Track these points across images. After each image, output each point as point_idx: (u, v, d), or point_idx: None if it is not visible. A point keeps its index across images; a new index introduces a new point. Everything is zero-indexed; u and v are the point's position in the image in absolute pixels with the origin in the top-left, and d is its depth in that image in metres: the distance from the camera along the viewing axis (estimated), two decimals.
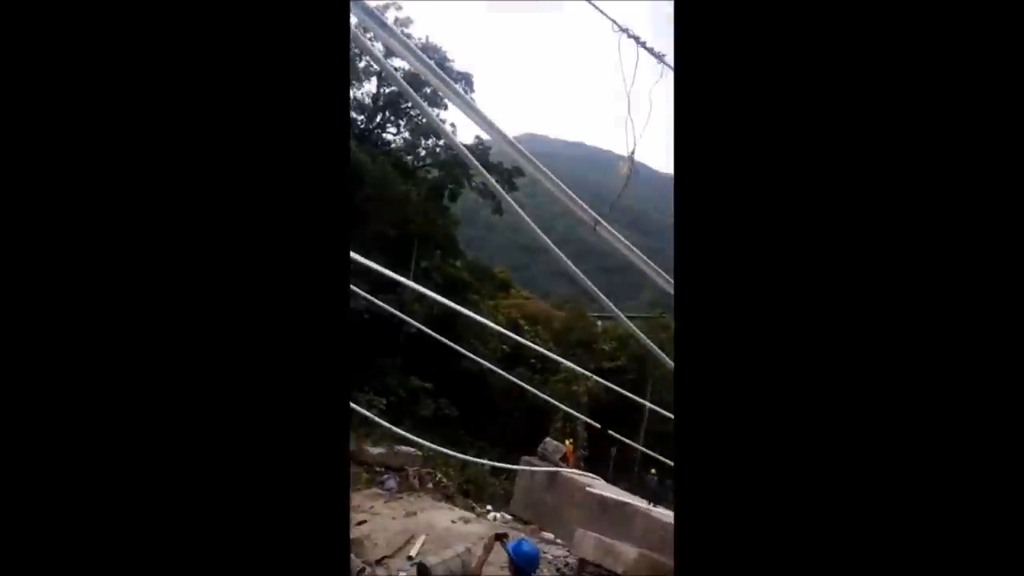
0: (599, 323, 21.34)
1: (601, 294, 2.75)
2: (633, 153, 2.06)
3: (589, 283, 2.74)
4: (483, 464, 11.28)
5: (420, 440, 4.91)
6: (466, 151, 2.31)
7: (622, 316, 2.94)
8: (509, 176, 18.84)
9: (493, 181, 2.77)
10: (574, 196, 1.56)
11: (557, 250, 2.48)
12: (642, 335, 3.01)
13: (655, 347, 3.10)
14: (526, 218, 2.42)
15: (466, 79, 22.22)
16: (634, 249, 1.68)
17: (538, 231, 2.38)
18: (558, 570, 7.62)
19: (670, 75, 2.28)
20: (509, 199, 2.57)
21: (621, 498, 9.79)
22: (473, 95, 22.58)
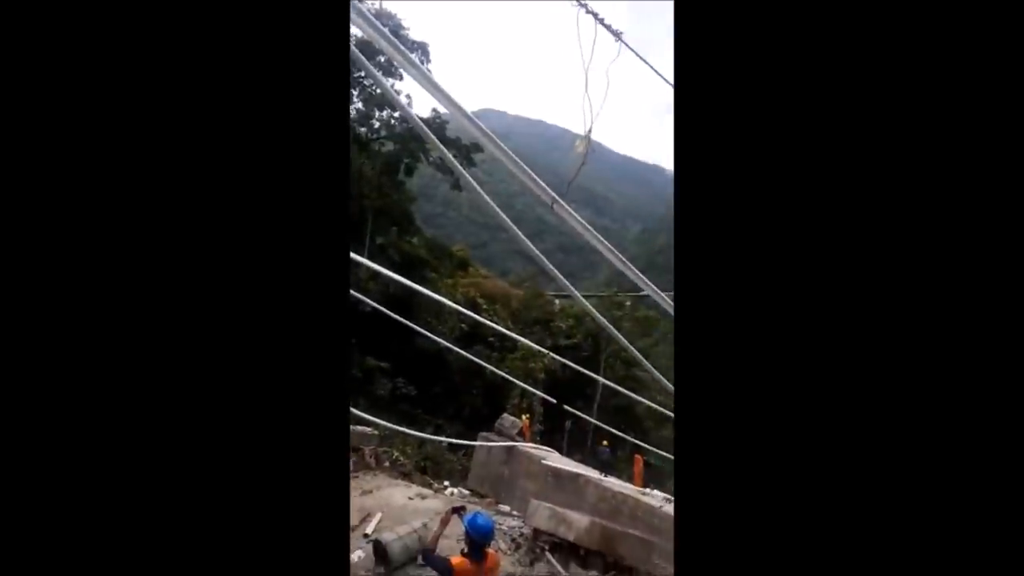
0: (557, 302, 21.69)
1: (558, 273, 2.78)
2: (590, 132, 2.06)
3: (547, 262, 2.77)
4: (440, 441, 11.36)
5: (376, 420, 4.87)
6: (422, 124, 2.23)
7: (578, 295, 3.00)
8: (467, 152, 18.49)
9: (451, 157, 2.71)
10: (532, 174, 1.55)
11: (516, 229, 2.47)
12: (597, 313, 3.09)
13: (609, 325, 3.19)
14: (485, 196, 2.39)
15: (422, 49, 21.34)
16: (590, 229, 1.71)
17: (497, 209, 2.37)
18: (513, 540, 7.88)
19: (627, 53, 2.28)
20: (467, 175, 2.52)
21: (575, 470, 10.18)
22: (429, 66, 21.79)
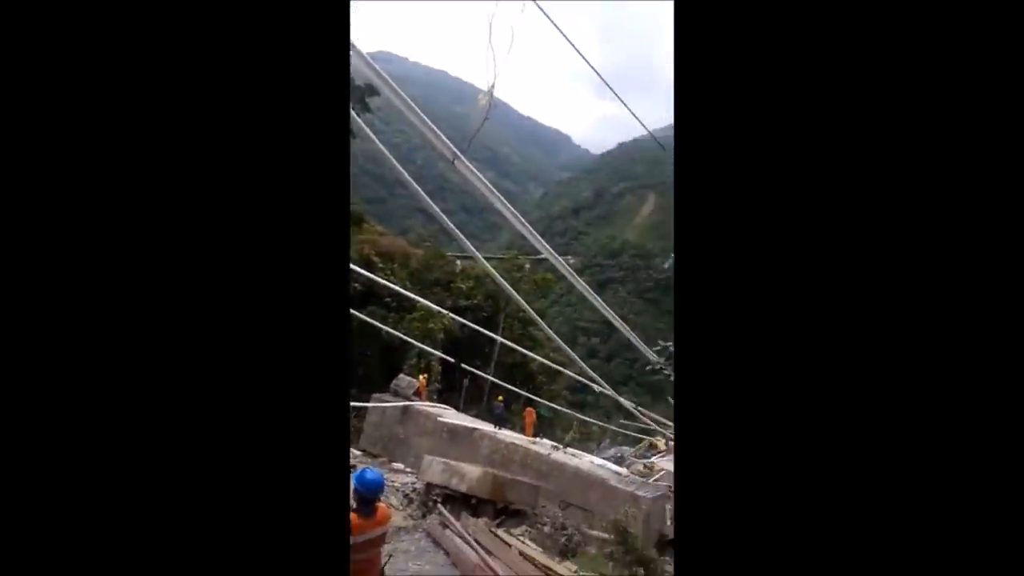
0: (458, 262, 21.56)
1: (461, 235, 2.74)
2: (493, 86, 2.00)
3: (448, 222, 2.70)
4: None
5: None
6: None
7: (480, 257, 2.99)
8: (362, 95, 17.02)
9: None
10: (434, 127, 1.46)
11: (416, 185, 2.35)
12: (498, 276, 3.12)
13: (509, 287, 3.27)
14: (382, 148, 2.22)
15: None
16: (494, 191, 1.68)
17: (395, 162, 2.22)
18: (406, 496, 8.01)
19: (532, 7, 2.22)
20: (361, 122, 2.32)
21: (470, 425, 10.54)
22: None
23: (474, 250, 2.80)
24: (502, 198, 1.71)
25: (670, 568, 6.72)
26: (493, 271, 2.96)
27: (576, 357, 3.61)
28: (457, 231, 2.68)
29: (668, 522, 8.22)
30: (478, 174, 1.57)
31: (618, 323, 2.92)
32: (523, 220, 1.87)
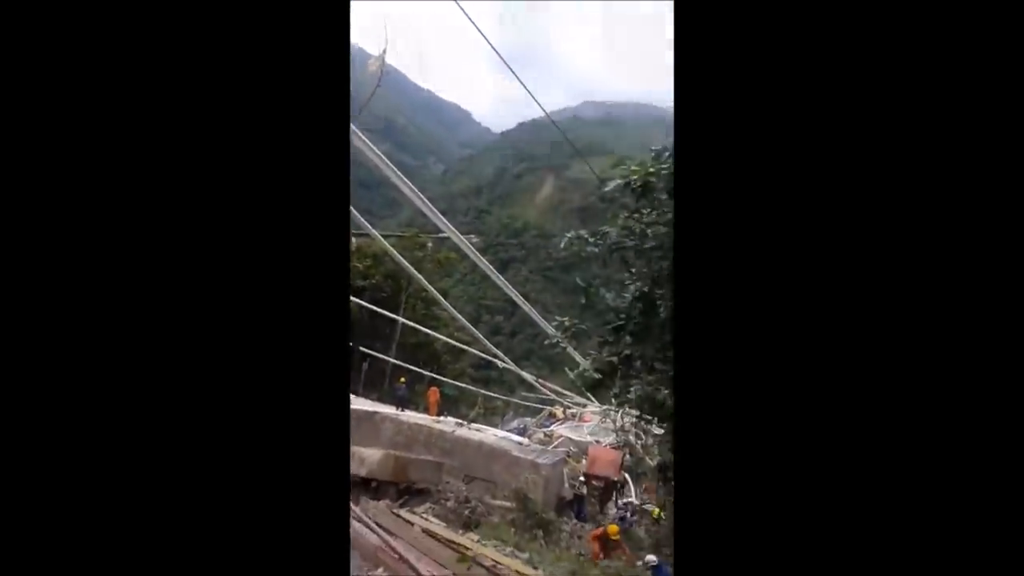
0: (353, 240, 20.37)
1: (354, 210, 2.57)
2: (385, 52, 1.88)
3: None
4: None
5: None
6: None
7: (377, 235, 2.84)
8: None
9: None
10: None
11: None
12: (397, 255, 3.00)
13: (409, 266, 3.16)
14: None
15: None
16: (391, 166, 1.58)
17: None
18: None
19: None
20: None
21: (370, 409, 10.21)
22: None
23: (370, 227, 2.66)
24: (399, 173, 1.63)
25: (567, 528, 7.25)
26: (392, 249, 2.85)
27: (480, 335, 3.65)
28: (351, 207, 2.51)
29: (566, 484, 8.82)
30: (372, 145, 1.46)
31: (520, 301, 3.00)
32: (423, 197, 1.81)
